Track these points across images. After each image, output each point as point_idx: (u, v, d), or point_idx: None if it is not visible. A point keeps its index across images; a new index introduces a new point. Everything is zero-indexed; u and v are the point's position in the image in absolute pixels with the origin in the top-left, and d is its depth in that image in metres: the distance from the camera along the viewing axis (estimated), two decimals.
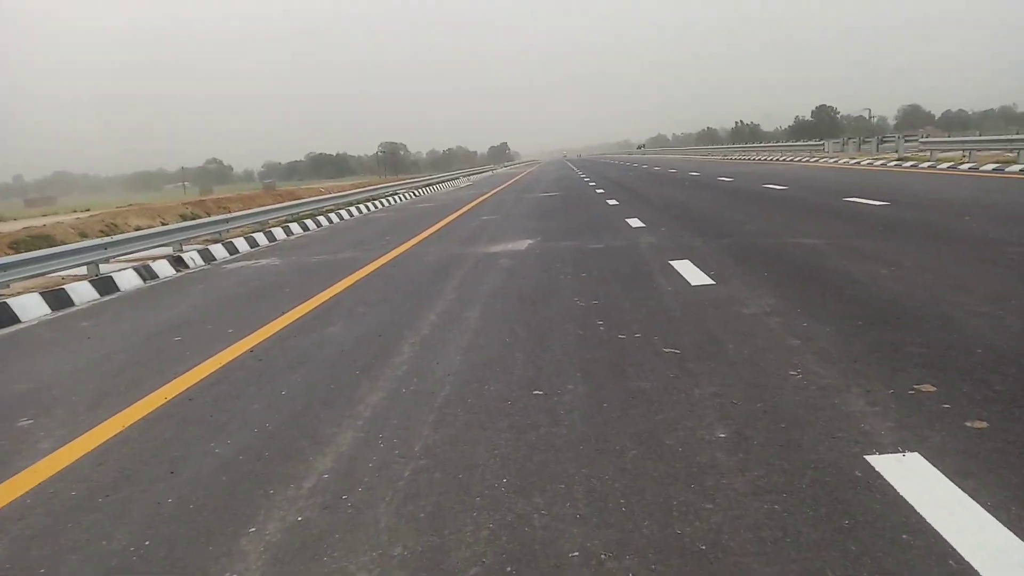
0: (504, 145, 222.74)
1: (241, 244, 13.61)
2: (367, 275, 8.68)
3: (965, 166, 17.87)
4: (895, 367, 3.64)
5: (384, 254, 10.57)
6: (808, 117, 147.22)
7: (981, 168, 17.00)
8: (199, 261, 11.84)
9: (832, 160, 28.71)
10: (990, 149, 18.47)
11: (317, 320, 6.28)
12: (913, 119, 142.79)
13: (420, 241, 12.08)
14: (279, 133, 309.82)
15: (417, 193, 31.86)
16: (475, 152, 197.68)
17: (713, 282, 6.31)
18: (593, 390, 3.75)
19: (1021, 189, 13.41)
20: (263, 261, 11.50)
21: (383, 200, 25.85)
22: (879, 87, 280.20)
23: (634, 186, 23.07)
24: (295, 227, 16.42)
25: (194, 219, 21.87)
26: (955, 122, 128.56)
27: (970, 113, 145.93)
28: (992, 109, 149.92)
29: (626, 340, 4.64)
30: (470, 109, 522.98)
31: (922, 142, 22.41)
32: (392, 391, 4.03)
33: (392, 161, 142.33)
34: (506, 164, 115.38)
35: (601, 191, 21.68)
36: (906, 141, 25.94)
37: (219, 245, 13.06)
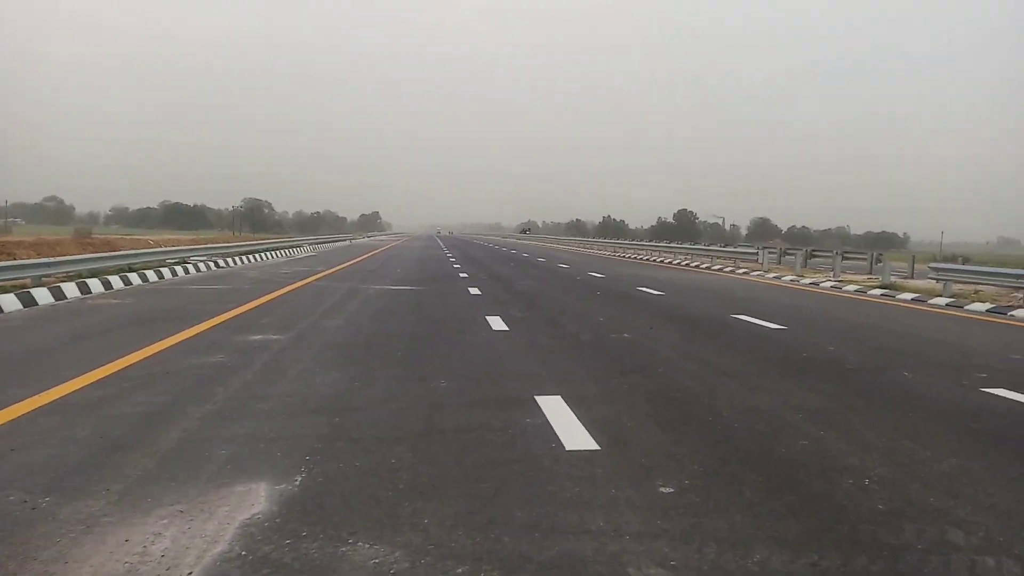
0: (376, 214, 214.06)
1: None
2: None
3: None
4: None
5: None
6: (670, 219, 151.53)
7: None
8: None
9: (771, 276, 21.51)
10: None
11: None
12: (763, 231, 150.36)
13: (29, 412, 4.59)
14: (135, 176, 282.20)
15: (225, 263, 23.56)
16: (344, 218, 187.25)
17: None
18: None
19: None
20: None
21: (159, 271, 17.61)
22: (733, 197, 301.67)
23: (525, 289, 16.56)
24: None
25: None
26: (799, 238, 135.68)
27: (812, 231, 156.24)
28: (830, 229, 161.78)
29: None
30: (345, 175, 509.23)
31: (932, 267, 15.77)
32: None
33: (253, 218, 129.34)
34: (369, 234, 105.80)
35: (476, 291, 14.94)
36: (836, 259, 20.42)
37: None
